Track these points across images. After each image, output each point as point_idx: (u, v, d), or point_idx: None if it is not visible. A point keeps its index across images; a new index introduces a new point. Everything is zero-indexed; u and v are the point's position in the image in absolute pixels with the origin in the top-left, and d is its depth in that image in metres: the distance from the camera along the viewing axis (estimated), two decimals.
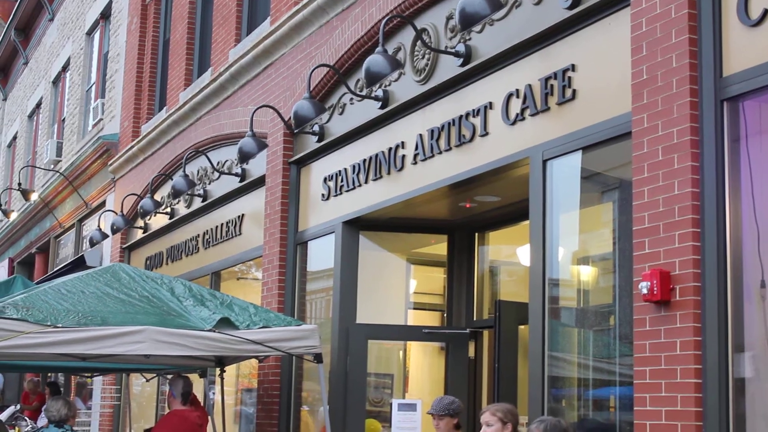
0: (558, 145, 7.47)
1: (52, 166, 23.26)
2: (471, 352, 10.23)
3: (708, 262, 6.00)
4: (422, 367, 11.26)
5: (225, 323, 8.78)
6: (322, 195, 10.96)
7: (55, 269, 21.18)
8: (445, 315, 10.68)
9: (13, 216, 26.30)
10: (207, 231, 14.15)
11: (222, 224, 13.61)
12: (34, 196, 23.57)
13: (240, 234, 13.07)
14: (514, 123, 8.00)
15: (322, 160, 11.14)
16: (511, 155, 8.01)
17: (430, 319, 11.17)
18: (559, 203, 7.71)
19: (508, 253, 10.59)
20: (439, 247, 10.78)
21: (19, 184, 24.78)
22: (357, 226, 10.47)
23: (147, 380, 14.78)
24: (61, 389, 19.41)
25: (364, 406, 10.29)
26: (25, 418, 15.97)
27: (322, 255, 11.06)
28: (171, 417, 9.41)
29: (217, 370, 12.05)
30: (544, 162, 7.61)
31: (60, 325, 8.14)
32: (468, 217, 10.26)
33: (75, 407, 9.77)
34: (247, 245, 12.78)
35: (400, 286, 11.21)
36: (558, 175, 7.63)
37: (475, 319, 10.34)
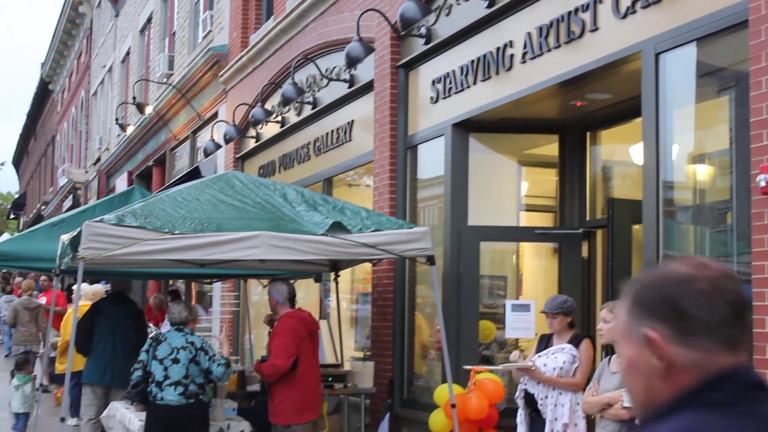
0: (671, 38, 7.27)
1: (165, 80, 23.60)
2: (584, 252, 10.15)
3: None
4: (535, 269, 11.24)
5: (337, 227, 8.82)
6: (431, 98, 10.90)
7: (171, 181, 21.62)
8: (557, 216, 10.61)
9: (130, 130, 26.86)
10: (318, 138, 14.24)
11: (332, 131, 13.67)
12: (148, 110, 24.00)
13: (350, 140, 13.12)
14: (624, 16, 7.80)
15: (429, 63, 11.05)
16: (622, 50, 7.82)
17: (542, 221, 11.10)
18: (673, 98, 7.52)
19: (620, 151, 10.41)
20: (550, 147, 10.67)
21: (134, 98, 25.27)
22: (467, 128, 10.41)
23: (264, 286, 15.07)
24: (182, 297, 19.96)
25: (478, 307, 10.34)
26: (149, 324, 16.46)
27: (433, 160, 11.04)
28: (287, 320, 9.36)
29: (332, 275, 12.24)
30: (657, 55, 7.42)
31: (177, 232, 8.29)
32: (579, 115, 10.10)
33: (196, 312, 9.99)
34: (357, 151, 12.83)
35: (511, 187, 11.16)
36: (671, 69, 7.44)
37: (587, 219, 10.25)
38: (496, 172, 11.10)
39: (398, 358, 11.29)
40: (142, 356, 9.24)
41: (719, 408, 1.91)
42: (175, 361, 9.00)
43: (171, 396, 8.95)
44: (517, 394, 8.45)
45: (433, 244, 9.35)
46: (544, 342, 8.48)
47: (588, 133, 10.32)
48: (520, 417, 8.39)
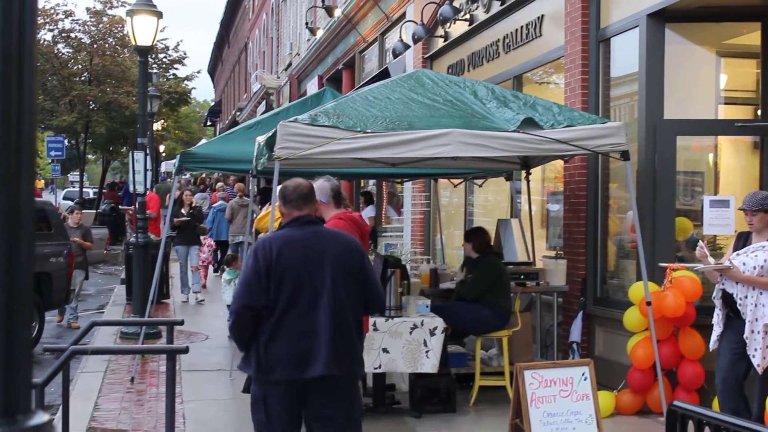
0: None
1: None
2: None
3: None
4: (734, 166, 10.83)
5: (529, 123, 8.70)
6: None
7: (361, 83, 21.77)
8: (758, 109, 10.15)
9: (319, 34, 27.12)
10: (507, 35, 14.01)
11: (521, 27, 13.42)
12: (337, 12, 24.15)
13: (540, 35, 12.84)
14: None
15: None
16: None
17: (742, 114, 10.63)
18: None
19: None
20: (751, 36, 10.16)
21: (323, 1, 25.45)
22: (662, 18, 10.02)
23: (455, 186, 15.14)
24: (374, 198, 20.27)
25: (674, 204, 10.07)
26: None
27: (626, 54, 10.71)
28: (337, 222, 7.84)
29: (523, 173, 12.15)
30: None
31: (369, 131, 8.36)
32: None
33: None
34: (547, 47, 12.57)
35: (709, 80, 10.71)
36: None
37: None
38: (694, 64, 10.67)
39: (591, 256, 11.17)
40: None
41: (293, 228, 5.64)
42: None
43: None
44: (714, 293, 8.23)
45: (627, 140, 9.12)
46: (743, 240, 8.21)
47: None
48: (717, 317, 8.18)
